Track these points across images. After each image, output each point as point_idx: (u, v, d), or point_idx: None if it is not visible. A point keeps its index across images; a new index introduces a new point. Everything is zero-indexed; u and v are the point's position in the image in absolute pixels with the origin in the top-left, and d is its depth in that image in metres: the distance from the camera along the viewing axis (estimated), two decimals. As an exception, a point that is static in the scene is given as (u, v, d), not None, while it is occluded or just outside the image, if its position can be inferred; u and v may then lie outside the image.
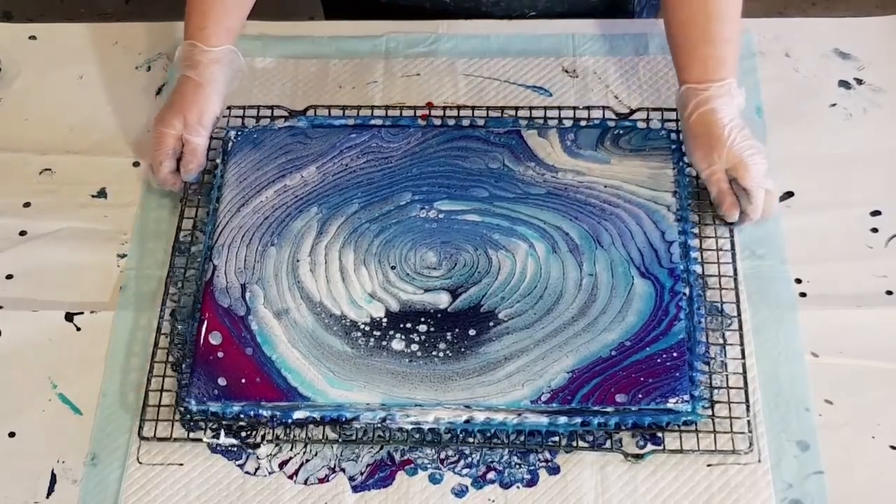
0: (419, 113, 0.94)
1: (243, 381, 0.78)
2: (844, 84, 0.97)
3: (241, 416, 0.78)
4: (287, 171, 0.90)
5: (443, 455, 0.78)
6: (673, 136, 0.90)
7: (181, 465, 0.78)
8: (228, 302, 0.82)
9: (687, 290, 0.81)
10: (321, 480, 0.77)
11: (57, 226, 0.92)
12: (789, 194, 0.89)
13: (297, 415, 0.77)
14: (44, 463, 0.79)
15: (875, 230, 0.87)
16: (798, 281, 0.84)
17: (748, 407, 0.77)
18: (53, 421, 0.81)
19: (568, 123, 0.93)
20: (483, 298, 0.82)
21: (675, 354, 0.77)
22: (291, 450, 0.78)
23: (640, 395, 0.75)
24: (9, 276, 0.89)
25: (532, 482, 0.76)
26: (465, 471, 0.77)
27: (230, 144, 0.92)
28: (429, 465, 0.77)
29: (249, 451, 0.78)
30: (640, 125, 0.92)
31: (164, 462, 0.78)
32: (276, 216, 0.87)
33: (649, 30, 1.01)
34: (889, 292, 0.84)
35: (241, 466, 0.78)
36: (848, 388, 0.79)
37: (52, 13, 1.89)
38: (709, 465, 0.76)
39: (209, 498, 0.77)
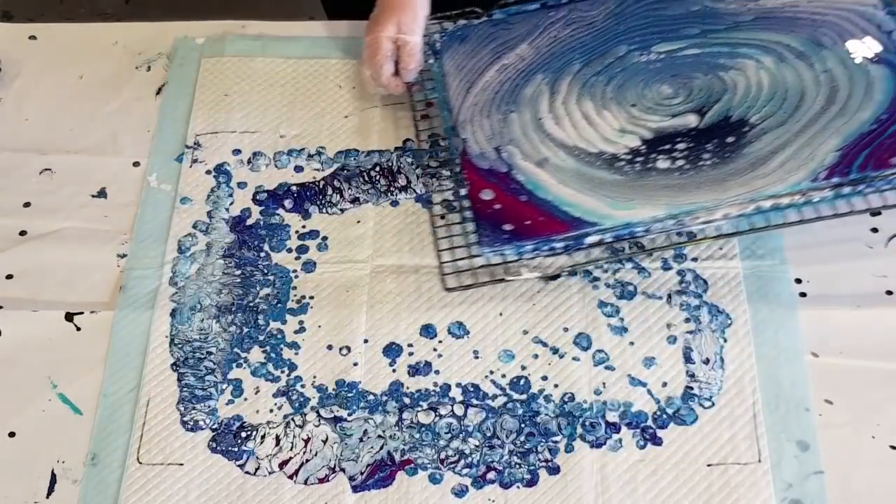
0: None
1: (528, 222, 0.83)
2: (844, 84, 0.97)
3: (536, 253, 0.83)
4: (501, 53, 0.95)
5: (443, 455, 0.78)
6: None
7: (181, 465, 0.78)
8: (488, 164, 0.87)
9: None
10: (321, 480, 0.77)
11: (57, 226, 0.92)
12: (789, 194, 0.90)
13: (590, 239, 0.82)
14: (44, 463, 0.79)
15: (875, 230, 0.87)
16: (798, 281, 0.84)
17: None
18: (53, 421, 0.81)
19: None
20: (729, 111, 0.86)
21: None
22: (292, 449, 0.78)
23: None
24: (9, 276, 0.89)
25: (532, 482, 0.76)
26: (465, 471, 0.77)
27: (438, 44, 0.97)
28: (429, 465, 0.77)
29: (251, 449, 0.78)
30: None
31: (164, 462, 0.78)
32: (505, 89, 0.92)
33: None
34: (889, 292, 0.84)
35: (241, 466, 0.78)
36: (848, 388, 0.79)
37: (52, 13, 1.89)
38: (709, 465, 0.76)
39: (209, 498, 0.77)
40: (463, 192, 0.87)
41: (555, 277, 0.84)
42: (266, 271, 0.87)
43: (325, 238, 0.89)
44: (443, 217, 0.88)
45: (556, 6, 0.98)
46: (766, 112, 0.85)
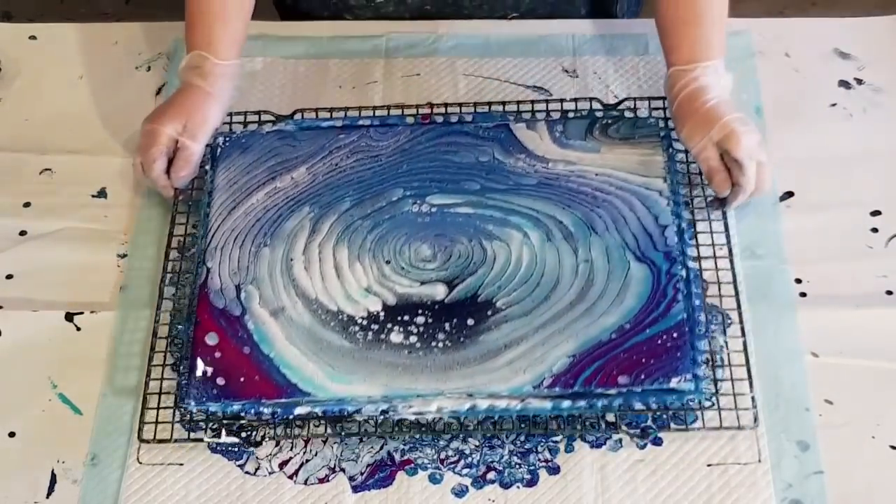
0: (407, 112, 0.94)
1: (242, 379, 0.78)
2: (844, 84, 0.97)
3: (242, 414, 0.78)
4: (277, 174, 0.89)
5: (443, 455, 0.78)
6: (661, 123, 0.91)
7: (181, 465, 0.78)
8: (223, 303, 0.82)
9: (684, 272, 0.81)
10: (321, 480, 0.77)
11: (57, 226, 0.92)
12: (789, 194, 0.89)
13: (299, 410, 0.77)
14: (44, 463, 0.79)
15: (875, 230, 0.87)
16: (798, 281, 0.84)
17: (751, 384, 0.77)
18: (53, 421, 0.81)
19: (556, 116, 0.93)
20: (480, 288, 0.82)
21: (675, 335, 0.77)
22: (292, 449, 0.78)
23: (642, 376, 0.76)
24: (9, 276, 0.89)
25: (532, 482, 0.76)
26: (465, 471, 0.77)
27: (218, 150, 0.91)
28: (429, 465, 0.77)
29: (251, 449, 0.78)
30: (628, 114, 0.92)
31: (164, 462, 0.78)
32: (267, 217, 0.87)
33: (649, 30, 1.01)
34: (889, 292, 0.84)
35: (241, 466, 0.78)
36: (848, 388, 0.79)
37: (52, 13, 1.89)
38: (709, 465, 0.76)
39: (209, 498, 0.77)
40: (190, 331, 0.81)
41: (258, 444, 0.78)
42: (265, 272, 0.87)
43: (324, 238, 0.88)
44: (166, 354, 0.82)
45: (351, 127, 0.92)
46: (515, 297, 0.80)
